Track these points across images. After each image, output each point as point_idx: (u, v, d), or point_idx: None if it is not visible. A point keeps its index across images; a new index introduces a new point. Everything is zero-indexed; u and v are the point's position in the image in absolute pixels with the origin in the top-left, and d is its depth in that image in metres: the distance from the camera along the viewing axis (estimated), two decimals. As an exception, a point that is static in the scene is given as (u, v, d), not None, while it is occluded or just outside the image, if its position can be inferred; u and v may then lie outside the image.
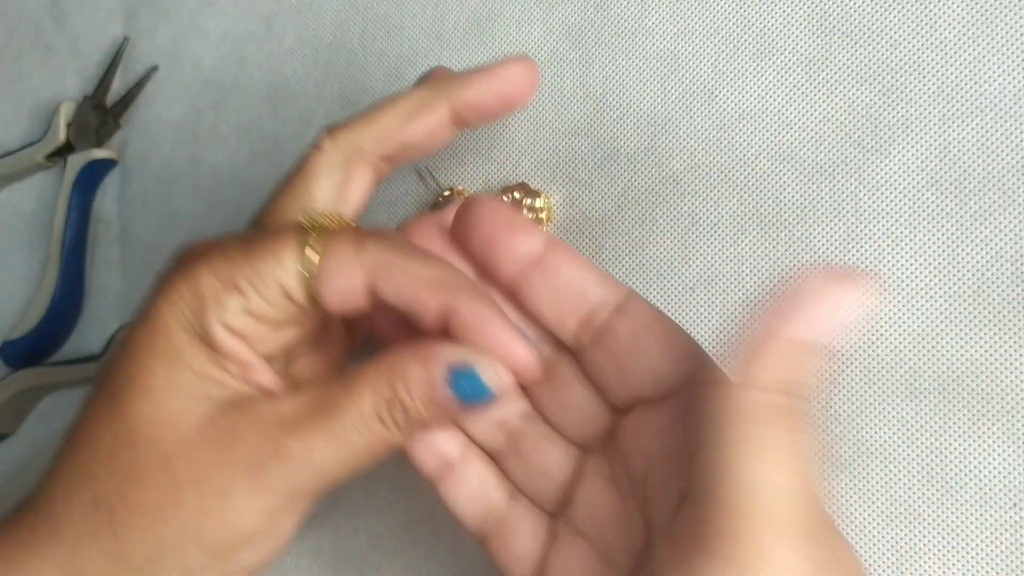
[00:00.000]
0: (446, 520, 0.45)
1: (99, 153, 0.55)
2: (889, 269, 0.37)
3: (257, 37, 0.52)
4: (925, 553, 0.35)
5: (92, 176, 0.56)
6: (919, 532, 0.36)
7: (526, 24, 0.44)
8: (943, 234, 0.36)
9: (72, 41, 0.59)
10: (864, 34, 0.37)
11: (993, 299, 0.35)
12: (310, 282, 0.31)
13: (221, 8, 0.53)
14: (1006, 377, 0.35)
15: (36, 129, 0.60)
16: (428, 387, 0.30)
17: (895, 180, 0.37)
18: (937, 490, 0.35)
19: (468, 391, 0.30)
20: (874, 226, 0.37)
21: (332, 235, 0.31)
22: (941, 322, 0.36)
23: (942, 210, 0.36)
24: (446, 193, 0.44)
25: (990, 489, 0.35)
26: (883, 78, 0.37)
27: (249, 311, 0.31)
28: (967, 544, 0.35)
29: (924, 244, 0.36)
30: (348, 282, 0.31)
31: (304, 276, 0.31)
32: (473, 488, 0.33)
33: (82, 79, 0.58)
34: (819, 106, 0.38)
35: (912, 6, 0.37)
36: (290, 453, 0.30)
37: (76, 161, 0.55)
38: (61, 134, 0.56)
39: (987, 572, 0.34)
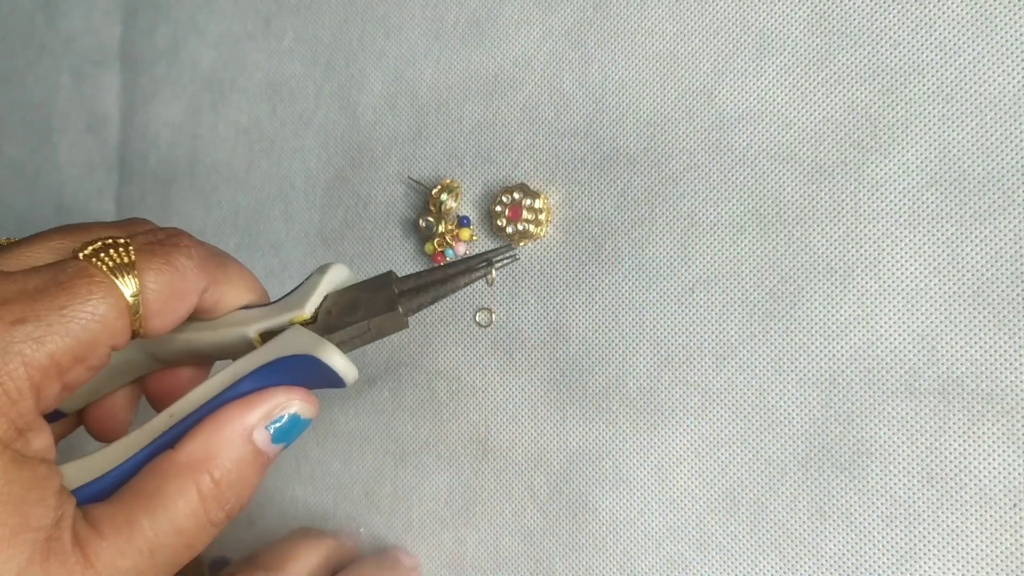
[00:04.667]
0: (447, 521, 0.45)
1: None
2: (889, 269, 0.37)
3: (256, 37, 0.51)
4: (925, 553, 0.36)
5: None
6: (918, 532, 0.36)
7: (525, 24, 0.44)
8: (943, 234, 0.36)
9: (67, 40, 0.59)
10: (864, 34, 0.38)
11: (993, 299, 0.35)
12: (138, 315, 0.31)
13: (220, 8, 0.53)
14: (1006, 377, 0.35)
15: (30, 129, 0.60)
16: (251, 449, 0.32)
17: (895, 180, 0.37)
18: (937, 490, 0.35)
19: (290, 432, 0.33)
20: (874, 226, 0.37)
21: (142, 252, 0.31)
22: (941, 322, 0.36)
23: (942, 210, 0.36)
24: (436, 189, 0.44)
25: (990, 489, 0.35)
26: (883, 78, 0.37)
27: (68, 386, 0.30)
28: (967, 544, 0.35)
29: (924, 244, 0.36)
30: (184, 297, 0.32)
31: (134, 310, 0.30)
32: None
33: (76, 79, 0.58)
34: (818, 106, 0.38)
35: (912, 6, 0.37)
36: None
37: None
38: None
39: (987, 572, 0.35)
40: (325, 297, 0.35)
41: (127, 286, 0.30)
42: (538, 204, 0.42)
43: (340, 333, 0.34)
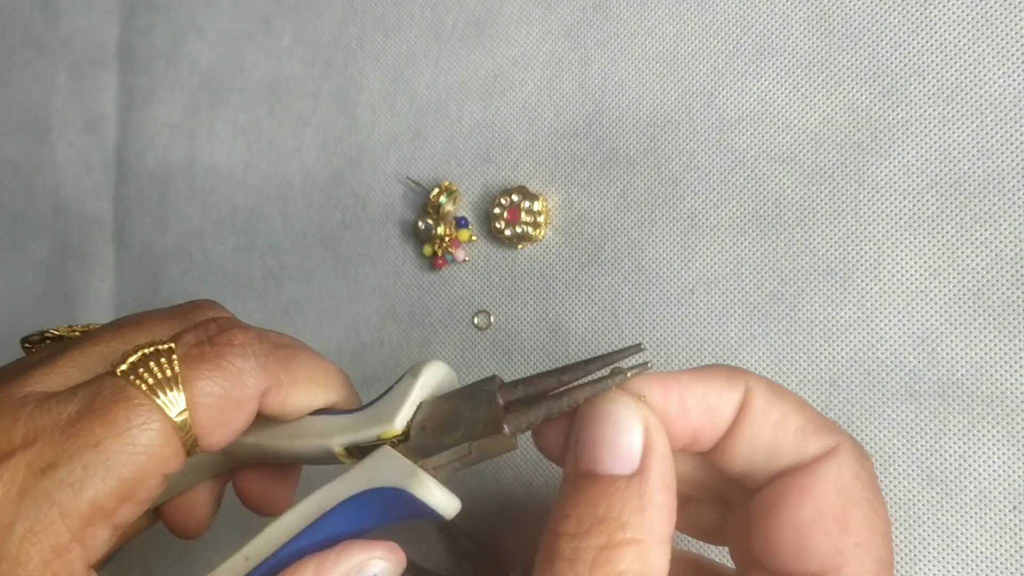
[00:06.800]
0: (444, 526, 0.45)
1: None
2: (889, 271, 0.37)
3: (255, 36, 0.51)
4: (925, 556, 0.35)
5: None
6: (919, 535, 0.36)
7: (525, 24, 0.44)
8: (943, 236, 0.36)
9: (65, 40, 0.58)
10: (864, 36, 0.37)
11: (993, 301, 0.35)
12: (190, 433, 0.27)
13: (219, 7, 0.53)
14: (1006, 380, 0.35)
15: (28, 129, 0.59)
16: None
17: (895, 182, 0.37)
18: (937, 492, 0.35)
19: None
20: (874, 228, 0.37)
21: (186, 358, 0.27)
22: (941, 324, 0.36)
23: (942, 212, 0.36)
24: (435, 191, 0.44)
25: (990, 491, 0.35)
26: (883, 80, 0.37)
27: (119, 526, 0.26)
28: (967, 546, 0.35)
29: (924, 246, 0.36)
30: (241, 405, 0.27)
31: (183, 430, 0.26)
32: None
33: (74, 78, 0.58)
34: (819, 108, 0.38)
35: (912, 8, 0.37)
36: None
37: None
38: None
39: (987, 574, 0.34)
40: (419, 407, 0.30)
41: (173, 404, 0.26)
42: (537, 207, 0.42)
43: (436, 457, 0.29)
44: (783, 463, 0.26)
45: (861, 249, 0.37)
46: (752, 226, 0.39)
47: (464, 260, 0.44)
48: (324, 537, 0.28)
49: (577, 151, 0.42)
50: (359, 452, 0.30)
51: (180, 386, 0.26)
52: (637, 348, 0.28)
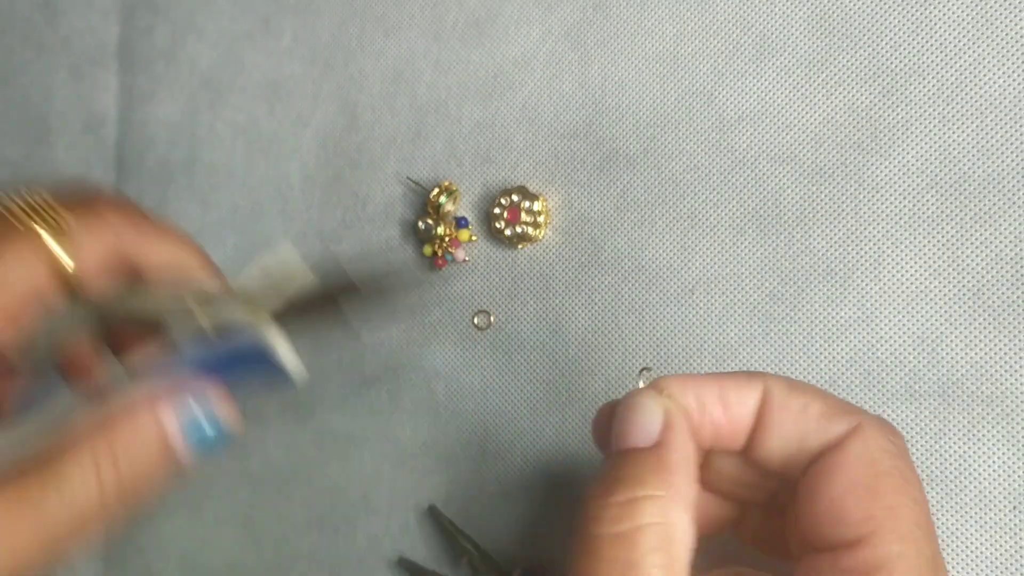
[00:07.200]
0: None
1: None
2: (889, 271, 0.37)
3: (255, 36, 0.51)
4: (925, 556, 0.35)
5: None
6: (919, 535, 0.36)
7: (525, 24, 0.44)
8: (943, 236, 0.36)
9: (65, 39, 0.58)
10: (864, 36, 0.37)
11: (993, 302, 0.35)
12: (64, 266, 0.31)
13: (219, 7, 0.53)
14: (1006, 380, 0.35)
15: (28, 129, 0.59)
16: (160, 443, 0.29)
17: (895, 182, 0.37)
18: (937, 493, 0.35)
19: (206, 437, 0.30)
20: (874, 228, 0.37)
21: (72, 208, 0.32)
22: (941, 324, 0.36)
23: (942, 212, 0.36)
24: (435, 191, 0.44)
25: (990, 492, 0.35)
26: (883, 80, 0.37)
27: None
28: (967, 547, 0.35)
29: (924, 246, 0.36)
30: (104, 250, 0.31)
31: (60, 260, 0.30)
32: None
33: (74, 78, 0.58)
34: (819, 108, 0.38)
35: (912, 8, 0.37)
36: None
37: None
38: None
39: (987, 574, 0.34)
40: (272, 281, 0.32)
41: (42, 228, 0.31)
42: (537, 207, 0.42)
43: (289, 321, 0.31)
44: (812, 448, 0.28)
45: (861, 249, 0.37)
46: (752, 226, 0.39)
47: (464, 260, 0.44)
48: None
49: (577, 151, 0.42)
50: (214, 312, 0.32)
51: (53, 213, 0.31)
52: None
